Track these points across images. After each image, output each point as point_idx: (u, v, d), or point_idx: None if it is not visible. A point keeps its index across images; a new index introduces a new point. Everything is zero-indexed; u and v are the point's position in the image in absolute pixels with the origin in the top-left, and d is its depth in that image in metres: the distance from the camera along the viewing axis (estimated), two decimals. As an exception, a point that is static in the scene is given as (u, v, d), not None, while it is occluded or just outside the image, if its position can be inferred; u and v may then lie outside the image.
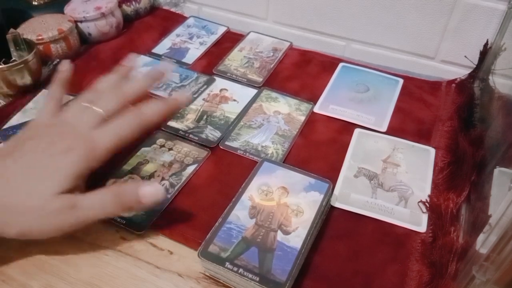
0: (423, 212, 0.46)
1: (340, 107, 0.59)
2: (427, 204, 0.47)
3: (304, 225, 0.41)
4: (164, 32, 0.72)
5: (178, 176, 0.49)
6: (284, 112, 0.58)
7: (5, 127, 0.53)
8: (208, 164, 0.50)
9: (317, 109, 0.59)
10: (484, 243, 0.33)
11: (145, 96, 0.45)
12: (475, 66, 0.62)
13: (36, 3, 0.69)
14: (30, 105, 0.57)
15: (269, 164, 0.48)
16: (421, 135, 0.55)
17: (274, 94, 0.60)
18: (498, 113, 0.56)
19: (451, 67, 0.66)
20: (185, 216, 0.45)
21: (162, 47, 0.69)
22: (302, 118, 0.57)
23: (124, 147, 0.42)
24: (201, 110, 0.57)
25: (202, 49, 0.69)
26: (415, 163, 0.51)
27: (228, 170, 0.50)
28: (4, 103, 0.58)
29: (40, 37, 0.61)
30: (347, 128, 0.56)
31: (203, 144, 0.53)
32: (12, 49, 0.58)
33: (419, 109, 0.59)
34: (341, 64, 0.67)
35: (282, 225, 0.41)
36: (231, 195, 0.44)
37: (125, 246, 0.42)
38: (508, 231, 0.30)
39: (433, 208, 0.46)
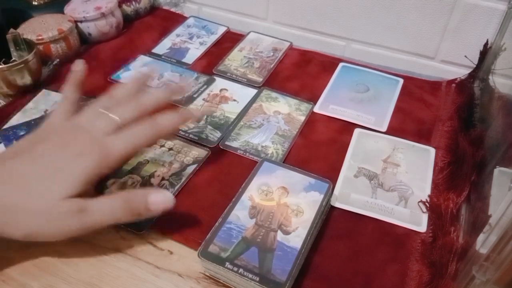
0: (423, 212, 0.46)
1: (340, 107, 0.59)
2: (427, 204, 0.47)
3: (304, 225, 0.41)
4: (164, 32, 0.72)
5: (178, 176, 0.49)
6: (284, 112, 0.58)
7: (5, 127, 0.53)
8: (208, 164, 0.50)
9: (317, 109, 0.59)
10: (484, 243, 0.33)
11: (161, 107, 0.45)
12: (475, 66, 0.62)
13: (36, 3, 0.69)
14: (30, 105, 0.57)
15: (269, 164, 0.48)
16: (421, 135, 0.55)
17: (274, 94, 0.60)
18: (498, 113, 0.56)
19: (451, 67, 0.66)
20: (185, 216, 0.45)
21: (162, 47, 0.69)
22: (302, 118, 0.57)
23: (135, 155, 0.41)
24: (201, 110, 0.57)
25: (202, 49, 0.69)
26: (415, 163, 0.51)
27: (228, 170, 0.50)
28: (4, 103, 0.58)
29: (40, 37, 0.61)
30: (347, 128, 0.56)
31: (203, 144, 0.53)
32: (12, 49, 0.58)
33: (419, 109, 0.59)
34: (341, 64, 0.67)
35: (282, 225, 0.42)
36: (231, 195, 0.44)
37: (125, 246, 0.42)
38: (508, 231, 0.30)
39: (433, 208, 0.46)
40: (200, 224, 0.44)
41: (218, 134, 0.54)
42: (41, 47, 0.61)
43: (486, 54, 0.61)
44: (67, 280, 0.39)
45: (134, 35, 0.72)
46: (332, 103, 0.59)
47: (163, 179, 0.48)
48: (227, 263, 0.38)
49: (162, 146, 0.52)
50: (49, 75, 0.62)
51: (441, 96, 0.62)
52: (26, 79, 0.57)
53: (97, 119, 0.42)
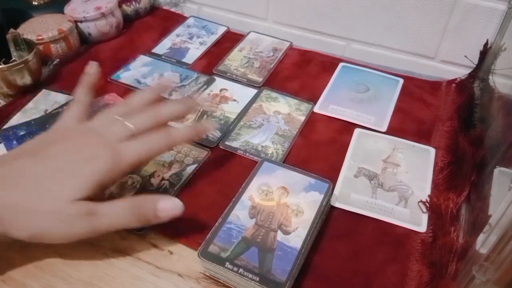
0: (423, 212, 0.46)
1: (340, 107, 0.59)
2: (427, 204, 0.47)
3: (304, 225, 0.41)
4: (164, 32, 0.72)
5: (178, 176, 0.49)
6: (284, 112, 0.58)
7: (5, 127, 0.53)
8: (208, 164, 0.50)
9: (317, 109, 0.59)
10: (484, 243, 0.33)
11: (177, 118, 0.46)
12: (475, 66, 0.62)
13: (36, 3, 0.69)
14: (30, 105, 0.57)
15: (269, 164, 0.48)
16: (421, 135, 0.55)
17: (274, 94, 0.60)
18: (498, 113, 0.56)
19: (451, 67, 0.66)
20: (185, 216, 0.45)
21: (162, 47, 0.69)
22: (302, 118, 0.57)
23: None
24: (201, 110, 0.57)
25: (202, 49, 0.69)
26: (415, 163, 0.51)
27: (228, 170, 0.50)
28: (4, 103, 0.58)
29: (40, 37, 0.61)
30: (347, 128, 0.56)
31: (203, 144, 0.53)
32: (12, 49, 0.58)
33: (419, 109, 0.59)
34: (341, 64, 0.67)
35: (282, 225, 0.42)
36: (231, 195, 0.44)
37: (125, 246, 0.42)
38: (508, 231, 0.30)
39: (433, 208, 0.46)
40: (200, 224, 0.44)
41: (218, 134, 0.54)
42: (41, 47, 0.61)
43: (486, 54, 0.61)
44: (67, 280, 0.39)
45: (134, 35, 0.72)
46: (332, 103, 0.59)
47: (163, 179, 0.48)
48: (227, 263, 0.38)
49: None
50: (49, 75, 0.62)
51: (441, 96, 0.62)
52: (26, 79, 0.57)
53: (111, 125, 0.42)
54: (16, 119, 0.54)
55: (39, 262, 0.40)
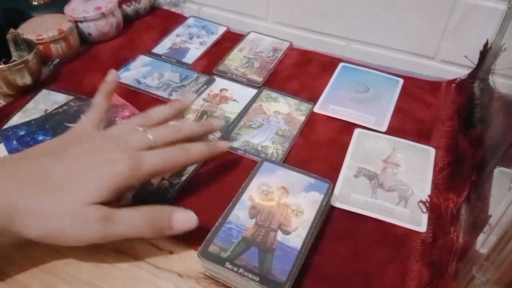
0: (423, 212, 0.46)
1: (340, 107, 0.59)
2: (427, 204, 0.47)
3: (304, 225, 0.41)
4: (164, 32, 0.73)
5: (178, 176, 0.49)
6: (284, 112, 0.58)
7: (5, 127, 0.53)
8: (208, 164, 0.50)
9: (317, 109, 0.59)
10: (484, 243, 0.33)
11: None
12: (475, 66, 0.62)
13: (36, 3, 0.69)
14: (30, 105, 0.57)
15: (269, 164, 0.48)
16: (421, 135, 0.55)
17: (274, 94, 0.60)
18: (498, 113, 0.56)
19: (451, 67, 0.66)
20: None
21: (162, 47, 0.69)
22: (302, 118, 0.57)
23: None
24: (201, 110, 0.57)
25: (202, 49, 0.69)
26: (415, 163, 0.51)
27: (228, 170, 0.50)
28: (4, 103, 0.58)
29: (40, 37, 0.61)
30: (347, 128, 0.56)
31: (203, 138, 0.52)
32: (12, 49, 0.58)
33: (419, 109, 0.59)
34: (341, 64, 0.67)
35: (282, 225, 0.42)
36: (231, 195, 0.44)
37: (125, 246, 0.42)
38: (508, 231, 0.30)
39: (433, 208, 0.46)
40: (200, 224, 0.44)
41: (218, 134, 0.54)
42: (41, 47, 0.61)
43: (486, 54, 0.61)
44: (67, 280, 0.39)
45: (134, 35, 0.72)
46: (332, 103, 0.59)
47: (163, 179, 0.48)
48: (227, 263, 0.38)
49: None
50: (49, 75, 0.62)
51: (441, 96, 0.62)
52: (26, 79, 0.57)
53: (131, 134, 0.42)
54: (16, 119, 0.54)
55: (39, 262, 0.40)
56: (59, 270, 0.40)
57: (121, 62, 0.65)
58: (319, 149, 0.53)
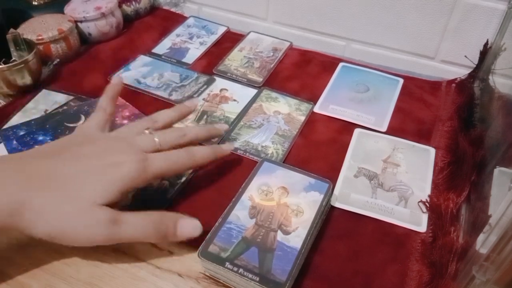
0: (423, 212, 0.46)
1: (340, 107, 0.59)
2: (427, 204, 0.47)
3: (304, 225, 0.41)
4: (164, 32, 0.73)
5: (178, 176, 0.49)
6: (284, 112, 0.58)
7: (5, 127, 0.53)
8: (208, 164, 0.50)
9: (317, 109, 0.59)
10: (484, 243, 0.33)
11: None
12: (475, 66, 0.62)
13: (36, 3, 0.69)
14: (30, 105, 0.57)
15: (269, 164, 0.48)
16: (421, 135, 0.55)
17: (274, 94, 0.60)
18: (498, 113, 0.56)
19: (451, 67, 0.66)
20: (185, 216, 0.45)
21: (162, 47, 0.69)
22: (302, 118, 0.57)
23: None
24: (201, 110, 0.57)
25: (202, 49, 0.69)
26: (415, 163, 0.51)
27: (228, 170, 0.50)
28: (4, 103, 0.58)
29: (40, 37, 0.61)
30: (347, 128, 0.56)
31: (203, 144, 0.52)
32: (12, 49, 0.58)
33: (419, 109, 0.59)
34: (341, 64, 0.67)
35: (282, 225, 0.41)
36: (231, 195, 0.44)
37: (125, 246, 0.42)
38: (508, 231, 0.30)
39: (433, 208, 0.46)
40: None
41: (218, 134, 0.54)
42: (41, 47, 0.61)
43: (486, 54, 0.61)
44: (67, 280, 0.39)
45: (134, 35, 0.72)
46: (332, 103, 0.59)
47: (163, 179, 0.48)
48: (227, 263, 0.38)
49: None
50: (49, 75, 0.62)
51: (441, 96, 0.62)
52: (26, 79, 0.57)
53: (137, 136, 0.42)
54: (16, 119, 0.54)
55: (39, 262, 0.40)
56: (59, 270, 0.40)
57: (121, 62, 0.65)
58: (319, 149, 0.53)
